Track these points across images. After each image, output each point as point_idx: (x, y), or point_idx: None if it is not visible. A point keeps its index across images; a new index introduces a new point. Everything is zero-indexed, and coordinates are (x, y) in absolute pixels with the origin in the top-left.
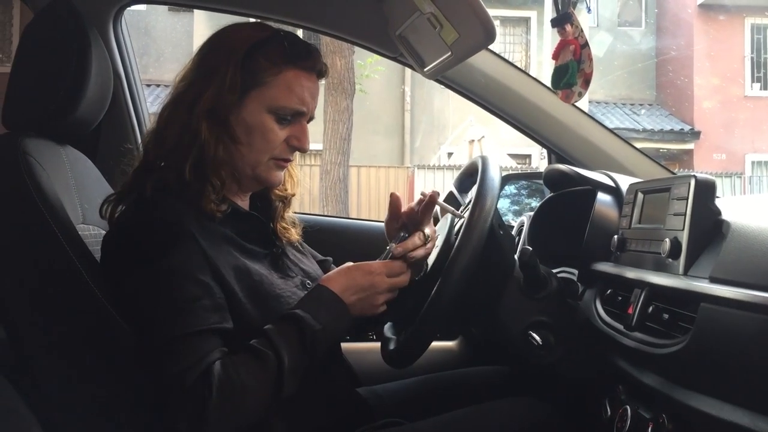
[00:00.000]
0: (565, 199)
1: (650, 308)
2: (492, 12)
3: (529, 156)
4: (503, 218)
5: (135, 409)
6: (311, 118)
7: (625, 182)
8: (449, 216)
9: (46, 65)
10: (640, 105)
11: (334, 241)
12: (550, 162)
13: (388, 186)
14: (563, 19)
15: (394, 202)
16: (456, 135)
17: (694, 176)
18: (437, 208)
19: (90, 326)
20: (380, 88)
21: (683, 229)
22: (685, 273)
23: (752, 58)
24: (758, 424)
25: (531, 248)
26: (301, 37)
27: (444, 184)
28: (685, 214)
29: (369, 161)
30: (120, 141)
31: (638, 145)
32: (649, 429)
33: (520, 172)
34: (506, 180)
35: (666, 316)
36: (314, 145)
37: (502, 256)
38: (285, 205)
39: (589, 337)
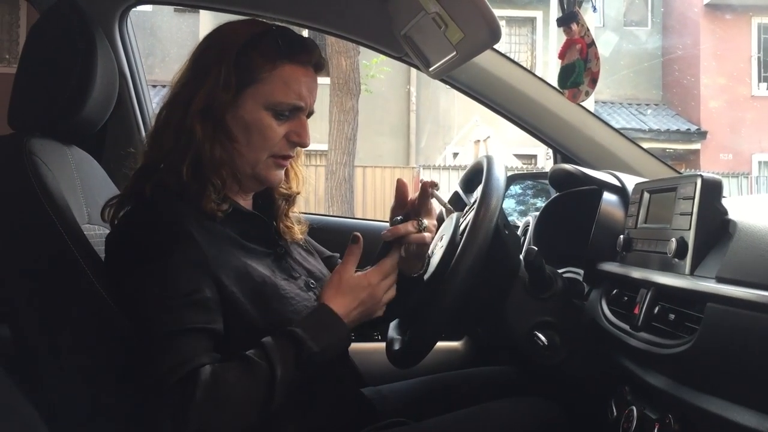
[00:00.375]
0: (570, 199)
1: (656, 308)
2: (497, 12)
3: (534, 156)
4: (509, 218)
5: (137, 408)
6: (311, 113)
7: (631, 182)
8: (454, 216)
9: (51, 66)
10: (647, 105)
11: (340, 240)
12: (555, 162)
13: (393, 186)
14: (569, 18)
15: (400, 188)
16: (461, 135)
17: (701, 176)
18: (442, 209)
19: (95, 326)
20: (386, 88)
21: (690, 229)
22: (692, 273)
23: (759, 58)
24: (765, 425)
25: (536, 248)
26: (306, 36)
27: (449, 184)
28: (691, 214)
29: (374, 161)
30: (125, 141)
31: (644, 145)
32: (656, 429)
33: (525, 172)
34: (511, 180)
35: (672, 316)
36: (320, 145)
37: (507, 256)
38: (289, 203)
39: (595, 337)
